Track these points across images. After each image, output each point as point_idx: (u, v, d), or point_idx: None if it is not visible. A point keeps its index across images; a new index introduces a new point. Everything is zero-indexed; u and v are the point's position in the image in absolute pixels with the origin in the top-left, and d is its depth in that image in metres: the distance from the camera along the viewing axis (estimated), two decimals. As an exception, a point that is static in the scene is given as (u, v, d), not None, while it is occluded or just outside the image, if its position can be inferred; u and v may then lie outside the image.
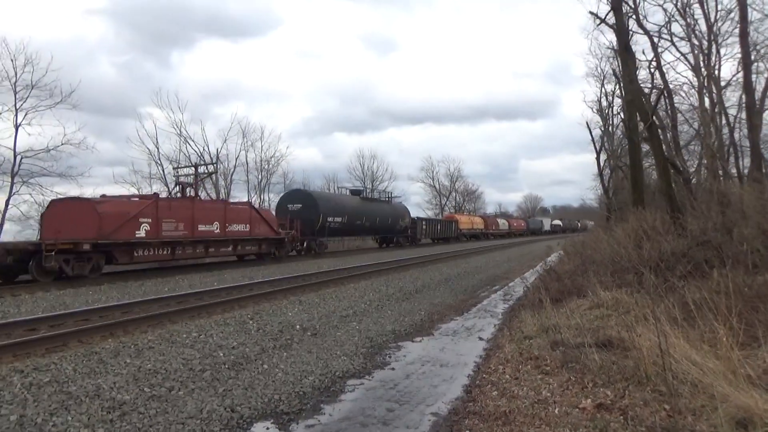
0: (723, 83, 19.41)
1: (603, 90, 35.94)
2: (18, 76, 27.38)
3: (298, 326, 9.51)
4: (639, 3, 17.48)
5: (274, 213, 28.06)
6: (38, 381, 5.99)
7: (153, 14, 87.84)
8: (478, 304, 13.05)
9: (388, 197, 43.39)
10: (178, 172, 25.96)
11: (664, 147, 16.65)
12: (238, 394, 5.99)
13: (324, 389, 6.37)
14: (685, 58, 19.61)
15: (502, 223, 75.68)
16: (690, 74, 20.66)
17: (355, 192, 39.14)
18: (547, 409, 5.03)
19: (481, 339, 9.20)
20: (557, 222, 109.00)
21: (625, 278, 10.30)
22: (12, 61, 27.40)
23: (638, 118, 15.09)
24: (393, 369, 7.33)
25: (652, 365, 5.22)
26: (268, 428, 5.21)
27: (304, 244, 28.87)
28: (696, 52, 18.95)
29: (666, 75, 19.44)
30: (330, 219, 30.52)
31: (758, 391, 3.98)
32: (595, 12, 15.74)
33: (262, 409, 5.62)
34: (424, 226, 47.55)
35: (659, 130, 16.53)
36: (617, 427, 4.31)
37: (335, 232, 31.81)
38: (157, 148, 37.63)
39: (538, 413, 4.97)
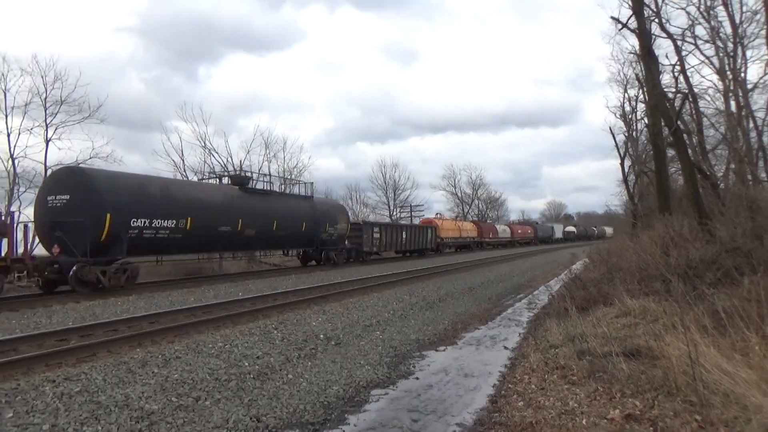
0: (749, 86, 19.07)
1: (626, 95, 35.46)
2: (48, 92, 28.08)
3: (322, 336, 9.54)
4: (661, 6, 17.26)
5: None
6: (69, 390, 6.10)
7: (181, 30, 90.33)
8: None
9: (308, 191, 29.02)
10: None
11: (689, 152, 16.36)
12: (263, 404, 6.03)
13: (348, 399, 6.37)
14: (710, 61, 19.28)
15: (502, 230, 63.69)
16: (715, 78, 20.30)
17: (236, 179, 23.96)
18: (574, 420, 4.96)
19: (506, 348, 9.12)
20: (571, 229, 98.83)
21: (652, 286, 10.11)
22: (42, 77, 28.11)
23: (662, 123, 14.88)
24: (417, 379, 7.31)
25: (681, 375, 5.11)
26: (293, 438, 5.23)
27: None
28: (721, 54, 18.63)
29: (690, 79, 19.15)
30: (136, 223, 16.44)
31: (793, 402, 3.88)
32: (616, 17, 15.62)
33: (288, 419, 5.65)
34: (376, 235, 33.91)
35: (684, 135, 16.27)
36: (647, 439, 4.23)
37: (157, 246, 18.02)
38: (183, 160, 38.23)
39: (565, 424, 4.90)
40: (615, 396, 5.42)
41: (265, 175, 27.87)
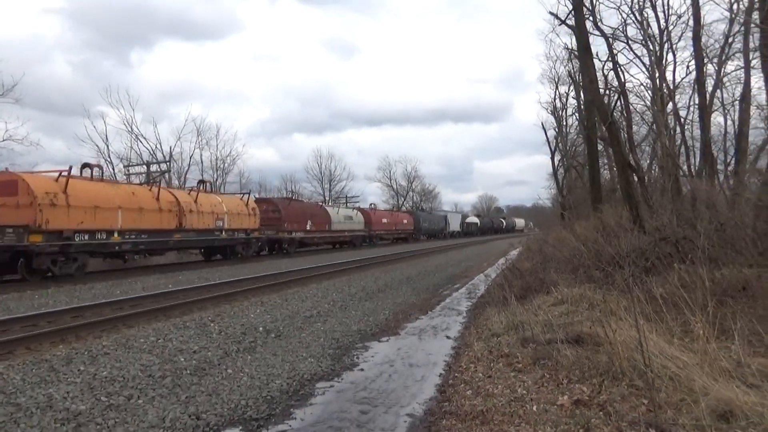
0: (672, 86, 20.07)
1: (557, 92, 36.77)
2: (-47, 68, 25.77)
3: (261, 328, 9.20)
4: (596, 5, 17.84)
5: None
6: (-18, 392, 5.53)
7: (114, 14, 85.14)
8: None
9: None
10: (129, 170, 25.05)
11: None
12: (202, 400, 5.69)
13: (293, 393, 6.13)
14: (640, 60, 20.16)
15: (343, 218, 37.19)
16: (642, 76, 21.28)
17: None
18: (524, 407, 4.95)
19: (448, 338, 9.12)
20: (473, 220, 78.42)
21: (588, 274, 10.42)
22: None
23: (597, 118, 15.37)
24: (362, 370, 7.15)
25: (626, 360, 5.21)
26: (236, 436, 4.95)
27: None
28: (651, 55, 19.49)
29: (622, 76, 19.94)
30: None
31: (737, 384, 4.00)
32: (555, 12, 15.97)
33: (229, 415, 5.35)
34: None
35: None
36: (599, 423, 4.26)
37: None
38: (107, 146, 36.29)
39: (516, 411, 4.88)
40: (562, 382, 5.47)
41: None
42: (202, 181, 26.80)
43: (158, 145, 39.35)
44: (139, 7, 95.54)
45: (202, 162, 45.23)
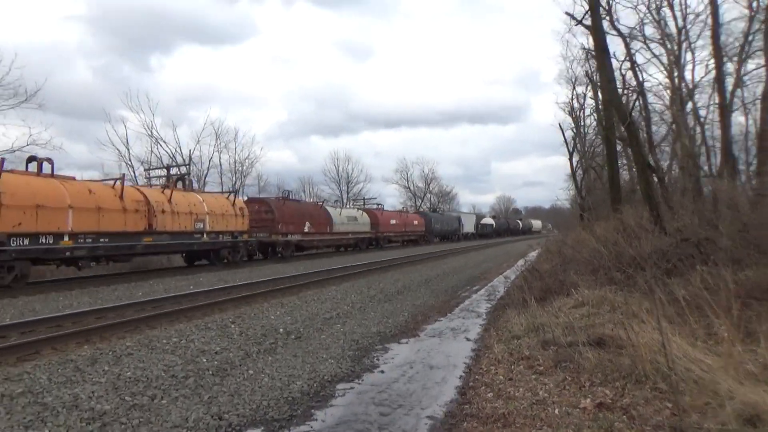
0: (691, 85, 19.82)
1: (575, 92, 36.43)
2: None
3: (281, 329, 9.27)
4: (612, 5, 17.70)
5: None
6: (10, 392, 5.65)
7: (133, 20, 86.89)
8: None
9: None
10: (149, 174, 25.36)
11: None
12: (224, 401, 5.75)
13: (313, 394, 6.17)
14: (659, 60, 19.95)
15: (346, 219, 35.59)
16: (660, 76, 21.05)
17: None
18: (546, 410, 4.93)
19: (468, 339, 9.10)
20: (488, 221, 76.61)
21: (609, 276, 10.32)
22: (-28, 59, 26.30)
23: (615, 118, 15.24)
24: (382, 372, 7.17)
25: (649, 363, 5.16)
26: (259, 436, 4.99)
27: None
28: (669, 54, 19.27)
29: (640, 76, 19.76)
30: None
31: (765, 388, 3.94)
32: (571, 13, 15.87)
33: (251, 416, 5.40)
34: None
35: (634, 130, 16.72)
36: (622, 427, 4.23)
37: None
38: (128, 149, 36.80)
39: (537, 414, 4.86)
40: (584, 385, 5.44)
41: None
42: (180, 178, 23.77)
43: (178, 149, 39.83)
44: (159, 12, 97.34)
45: (221, 165, 45.61)
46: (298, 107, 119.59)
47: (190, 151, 40.51)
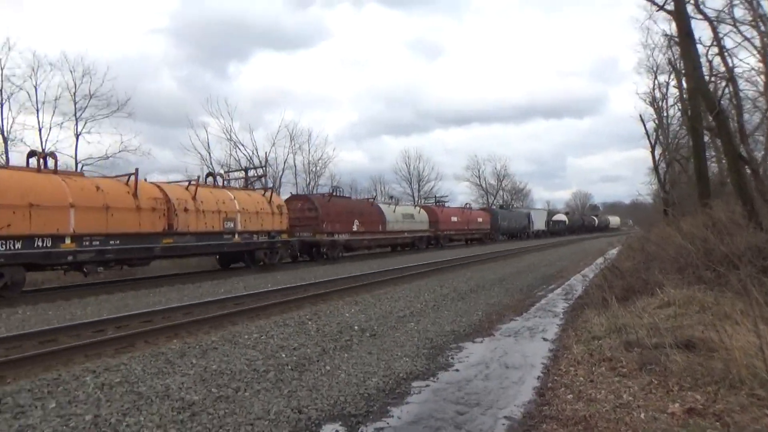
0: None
1: (656, 82, 34.60)
2: (77, 87, 28.52)
3: (356, 327, 9.42)
4: (698, -13, 16.64)
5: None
6: (110, 381, 6.07)
7: (212, 31, 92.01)
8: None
9: None
10: (228, 176, 26.46)
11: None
12: (303, 395, 5.92)
13: (389, 391, 6.22)
14: (750, 43, 18.59)
15: (401, 217, 33.88)
16: (753, 60, 19.59)
17: None
18: (631, 414, 4.73)
19: (545, 339, 8.88)
20: (560, 218, 72.73)
21: (698, 275, 9.75)
22: (71, 72, 28.52)
23: (702, 107, 14.36)
24: (457, 371, 7.12)
25: (744, 367, 4.84)
26: (337, 431, 5.10)
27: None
28: (762, 37, 17.93)
29: (729, 61, 18.48)
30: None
31: None
32: (652, -1, 15.07)
33: (329, 411, 5.53)
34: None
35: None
36: (716, 435, 4.00)
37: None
38: (209, 153, 38.61)
39: (621, 418, 4.68)
40: (672, 389, 5.17)
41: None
42: (210, 174, 22.68)
43: (255, 151, 41.33)
44: (236, 22, 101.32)
45: (295, 166, 46.83)
46: (369, 107, 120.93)
47: (266, 153, 41.94)
